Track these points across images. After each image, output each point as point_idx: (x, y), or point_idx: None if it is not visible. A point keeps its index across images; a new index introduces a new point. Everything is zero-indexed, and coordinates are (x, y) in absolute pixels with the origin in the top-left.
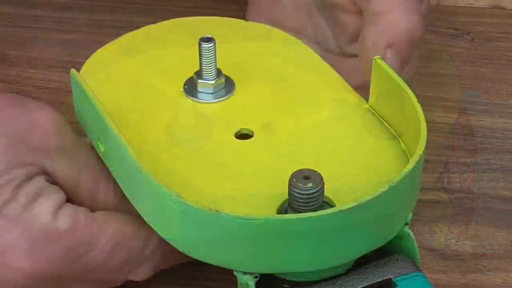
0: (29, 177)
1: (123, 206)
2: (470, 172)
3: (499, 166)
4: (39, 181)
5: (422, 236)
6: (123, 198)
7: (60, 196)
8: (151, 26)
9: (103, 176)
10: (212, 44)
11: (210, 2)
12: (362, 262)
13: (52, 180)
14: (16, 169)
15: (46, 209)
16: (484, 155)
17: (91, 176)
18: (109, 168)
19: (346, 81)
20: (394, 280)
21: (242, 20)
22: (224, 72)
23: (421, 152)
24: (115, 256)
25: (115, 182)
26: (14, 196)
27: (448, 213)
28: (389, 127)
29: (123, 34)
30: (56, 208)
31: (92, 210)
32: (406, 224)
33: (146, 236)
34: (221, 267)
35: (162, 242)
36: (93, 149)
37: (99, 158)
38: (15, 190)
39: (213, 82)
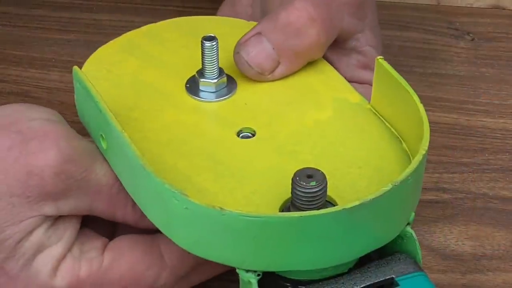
0: (28, 232)
1: (143, 221)
2: (470, 172)
3: (499, 166)
4: (39, 234)
5: (422, 236)
6: (142, 215)
7: (62, 247)
8: (152, 25)
9: (119, 199)
10: (214, 43)
11: (210, 2)
12: (364, 262)
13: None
14: (11, 227)
15: (45, 267)
16: (484, 155)
17: (105, 203)
18: (111, 165)
19: None
20: (396, 279)
21: (243, 20)
22: (226, 71)
23: (424, 152)
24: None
25: (133, 201)
26: (13, 254)
27: (448, 213)
28: (390, 127)
29: (123, 34)
30: (55, 264)
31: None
32: (408, 223)
33: (157, 271)
34: (222, 266)
35: (174, 271)
36: (108, 170)
37: (115, 179)
38: (13, 249)
39: (215, 81)
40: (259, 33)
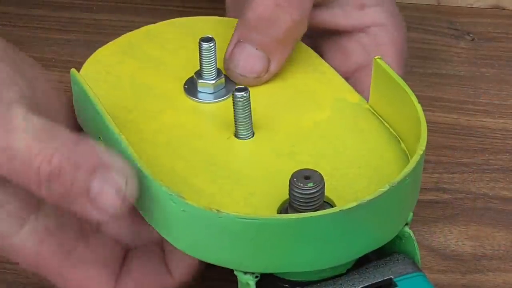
0: None
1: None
2: (470, 172)
3: (499, 166)
4: None
5: (422, 236)
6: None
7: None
8: (151, 26)
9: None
10: (212, 44)
11: (210, 2)
12: (363, 262)
13: None
14: None
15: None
16: (484, 155)
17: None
18: None
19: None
20: (394, 280)
21: None
22: (224, 72)
23: (421, 152)
24: None
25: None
26: None
27: (448, 213)
28: (389, 127)
29: (123, 34)
30: (19, 219)
31: None
32: (406, 224)
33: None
34: (221, 267)
35: (182, 285)
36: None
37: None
38: None
39: (213, 82)
40: (238, 41)
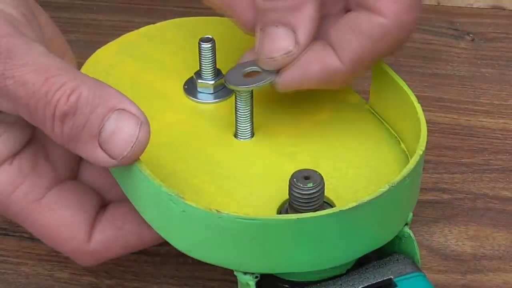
0: None
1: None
2: (470, 172)
3: (499, 167)
4: None
5: (422, 236)
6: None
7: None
8: (151, 26)
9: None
10: (211, 44)
11: None
12: (363, 262)
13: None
14: None
15: None
16: (484, 155)
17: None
18: (109, 168)
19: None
20: (394, 280)
21: None
22: (223, 72)
23: (421, 152)
24: (44, 239)
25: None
26: None
27: (448, 213)
28: (389, 127)
29: (123, 34)
30: None
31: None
32: (406, 224)
33: (84, 236)
34: (221, 267)
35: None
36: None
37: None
38: None
39: (212, 82)
40: (260, 30)
